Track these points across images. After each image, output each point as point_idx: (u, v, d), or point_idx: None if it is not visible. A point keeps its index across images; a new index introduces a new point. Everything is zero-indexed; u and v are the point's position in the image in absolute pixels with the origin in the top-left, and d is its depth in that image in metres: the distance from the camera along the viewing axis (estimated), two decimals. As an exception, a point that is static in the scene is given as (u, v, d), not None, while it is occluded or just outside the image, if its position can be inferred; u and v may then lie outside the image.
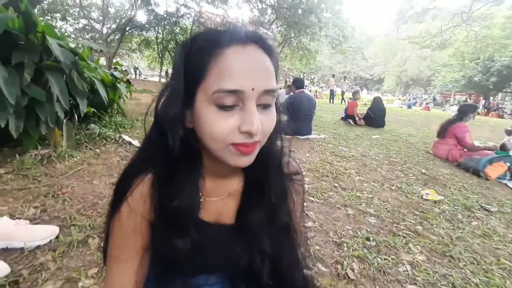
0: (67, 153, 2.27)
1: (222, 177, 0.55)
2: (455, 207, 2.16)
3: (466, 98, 22.11)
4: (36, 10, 2.22)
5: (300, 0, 16.52)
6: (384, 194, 2.29)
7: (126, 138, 2.96)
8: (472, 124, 3.97)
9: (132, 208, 0.49)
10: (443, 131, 3.79)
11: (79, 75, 2.59)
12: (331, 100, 15.10)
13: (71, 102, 2.56)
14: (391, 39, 37.92)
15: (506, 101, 24.56)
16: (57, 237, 1.25)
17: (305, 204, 0.63)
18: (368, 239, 1.56)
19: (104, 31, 18.35)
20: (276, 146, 0.54)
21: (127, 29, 16.69)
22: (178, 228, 0.49)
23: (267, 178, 0.54)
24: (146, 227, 0.51)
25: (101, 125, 3.16)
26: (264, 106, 0.43)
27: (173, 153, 0.46)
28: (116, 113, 3.89)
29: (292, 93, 4.91)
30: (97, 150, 2.57)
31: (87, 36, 18.84)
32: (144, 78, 28.40)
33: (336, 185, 2.39)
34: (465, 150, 3.61)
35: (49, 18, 16.16)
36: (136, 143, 2.92)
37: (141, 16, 20.35)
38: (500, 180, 2.99)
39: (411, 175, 2.94)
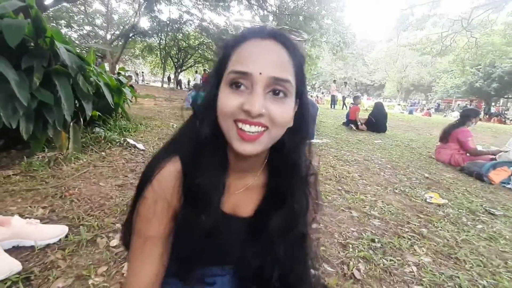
0: (73, 156, 2.29)
1: (241, 172, 0.57)
2: (459, 210, 2.16)
3: (466, 104, 22.12)
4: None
5: (301, 8, 16.74)
6: (387, 197, 2.29)
7: (131, 141, 2.99)
8: (474, 130, 3.97)
9: (159, 187, 0.51)
10: (446, 136, 3.80)
11: (85, 79, 2.64)
12: (333, 105, 15.15)
13: (77, 105, 2.60)
14: (392, 45, 38.20)
15: (508, 107, 24.57)
16: (66, 236, 1.26)
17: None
18: (373, 240, 1.56)
19: (108, 37, 18.60)
20: (304, 156, 0.56)
21: (130, 35, 16.92)
22: (202, 204, 0.51)
23: (291, 187, 0.57)
24: (170, 213, 0.53)
25: (106, 129, 3.19)
26: (275, 93, 0.45)
27: (203, 135, 0.49)
28: (121, 117, 3.93)
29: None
30: (103, 153, 2.60)
31: (91, 42, 19.07)
32: (146, 83, 28.63)
33: (340, 188, 2.40)
34: (468, 154, 3.62)
35: (54, 24, 16.41)
36: (141, 146, 2.95)
37: (145, 23, 20.61)
38: (504, 185, 2.98)
39: (414, 179, 2.94)
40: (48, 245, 1.19)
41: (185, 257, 0.55)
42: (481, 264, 1.45)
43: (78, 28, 19.06)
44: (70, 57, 2.37)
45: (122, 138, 3.01)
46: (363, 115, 6.98)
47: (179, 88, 20.44)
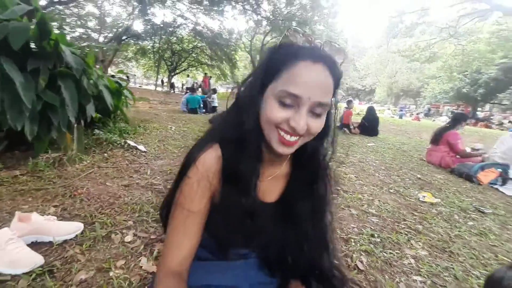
0: (77, 157, 2.32)
1: (270, 162, 0.65)
2: (451, 208, 2.28)
3: (453, 110, 22.75)
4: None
5: (295, 13, 17.03)
6: (383, 197, 2.40)
7: (132, 143, 3.02)
8: (462, 134, 4.15)
9: (202, 167, 0.58)
10: (437, 138, 3.96)
11: (88, 81, 2.67)
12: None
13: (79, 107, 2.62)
14: (382, 51, 39.08)
15: (493, 112, 25.37)
16: (82, 233, 1.31)
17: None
18: (372, 236, 1.65)
19: (101, 39, 18.43)
20: (324, 150, 0.66)
21: (123, 38, 16.82)
22: (243, 188, 0.58)
23: (314, 177, 0.66)
24: (209, 193, 0.59)
25: (106, 131, 3.21)
26: (315, 114, 0.54)
27: (245, 126, 0.56)
28: (120, 119, 3.94)
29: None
30: (105, 155, 2.62)
31: (83, 44, 18.85)
32: (139, 86, 28.40)
33: (338, 188, 2.49)
34: (457, 157, 3.78)
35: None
36: (142, 148, 2.98)
37: (138, 26, 20.56)
38: (492, 185, 3.14)
39: (407, 179, 3.06)
40: (65, 241, 1.23)
41: (222, 237, 0.62)
42: (474, 256, 1.56)
43: (70, 30, 18.82)
44: (74, 59, 2.41)
45: (123, 140, 3.04)
46: (355, 119, 7.15)
47: (172, 91, 20.36)
